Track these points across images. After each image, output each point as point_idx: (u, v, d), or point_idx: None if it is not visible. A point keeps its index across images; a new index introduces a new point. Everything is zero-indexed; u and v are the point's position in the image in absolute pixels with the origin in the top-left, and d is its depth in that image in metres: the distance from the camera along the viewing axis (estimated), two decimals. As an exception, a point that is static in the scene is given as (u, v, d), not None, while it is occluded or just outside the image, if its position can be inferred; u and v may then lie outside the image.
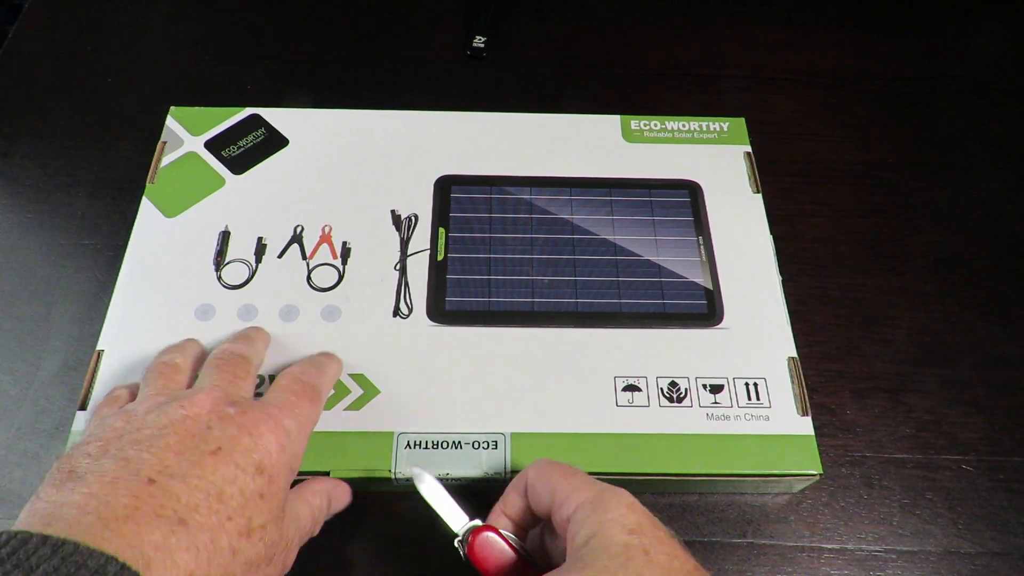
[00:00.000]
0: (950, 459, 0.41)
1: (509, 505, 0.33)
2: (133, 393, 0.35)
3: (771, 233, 0.45)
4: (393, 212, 0.45)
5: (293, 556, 0.32)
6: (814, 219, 0.49)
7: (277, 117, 0.49)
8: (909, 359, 0.44)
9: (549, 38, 0.59)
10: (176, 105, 0.49)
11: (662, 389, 0.39)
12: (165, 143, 0.47)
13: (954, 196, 0.51)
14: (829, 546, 0.38)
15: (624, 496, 0.30)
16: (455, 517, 0.33)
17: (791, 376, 0.40)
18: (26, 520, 0.26)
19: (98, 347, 0.39)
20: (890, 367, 0.44)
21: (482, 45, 0.57)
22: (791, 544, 0.38)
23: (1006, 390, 0.43)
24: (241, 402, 0.31)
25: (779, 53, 0.59)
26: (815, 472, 0.37)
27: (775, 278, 0.43)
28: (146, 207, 0.44)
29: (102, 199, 0.49)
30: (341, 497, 0.36)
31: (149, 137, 0.49)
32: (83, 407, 0.37)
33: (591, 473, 0.33)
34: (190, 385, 0.35)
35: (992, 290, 0.47)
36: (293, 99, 0.54)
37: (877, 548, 0.38)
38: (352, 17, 0.60)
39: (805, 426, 0.38)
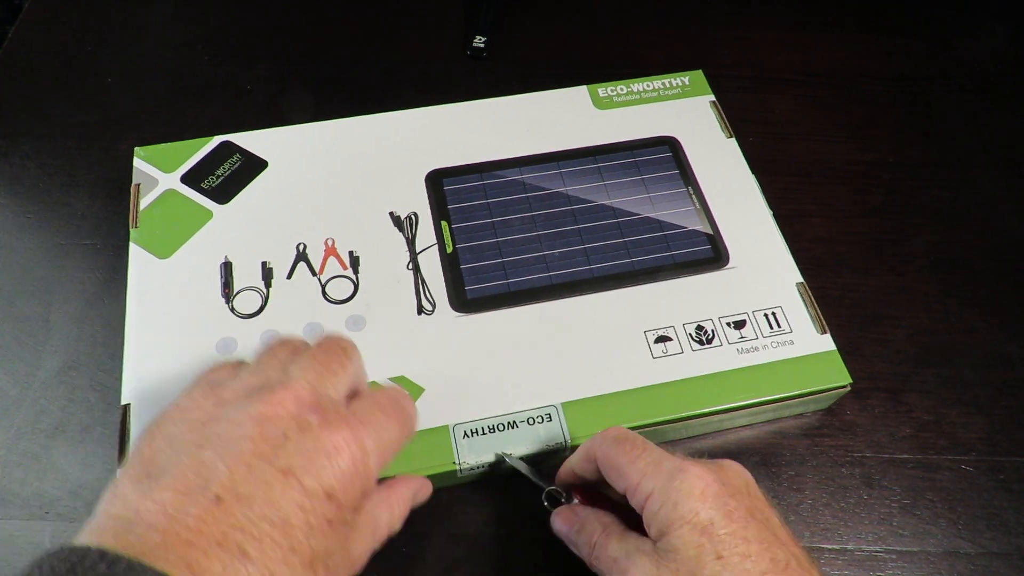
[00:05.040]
0: (950, 459, 0.41)
1: (580, 469, 0.34)
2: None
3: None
4: (392, 214, 0.45)
5: (360, 566, 0.31)
6: (814, 219, 0.49)
7: (250, 140, 0.48)
8: (909, 359, 0.44)
9: (549, 38, 0.59)
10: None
11: (690, 334, 0.41)
12: (139, 185, 0.46)
13: (954, 196, 0.51)
14: (829, 546, 0.38)
15: (694, 483, 0.29)
16: (540, 476, 0.36)
17: (803, 300, 0.42)
18: (102, 523, 0.25)
19: (123, 402, 0.38)
20: (890, 367, 0.44)
21: (482, 45, 0.57)
22: (791, 544, 0.38)
23: (1006, 390, 0.43)
24: (325, 407, 0.29)
25: (779, 53, 0.59)
26: (845, 383, 0.39)
27: (767, 213, 0.46)
28: (136, 253, 0.43)
29: (102, 199, 0.49)
30: (424, 493, 0.35)
31: (149, 137, 0.49)
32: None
33: (645, 425, 0.38)
34: None
35: (992, 290, 0.47)
36: (293, 98, 0.54)
37: (877, 548, 0.38)
38: (352, 17, 0.60)
39: (827, 343, 0.41)
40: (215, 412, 0.28)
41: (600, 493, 0.35)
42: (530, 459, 0.38)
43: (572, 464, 0.35)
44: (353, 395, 0.32)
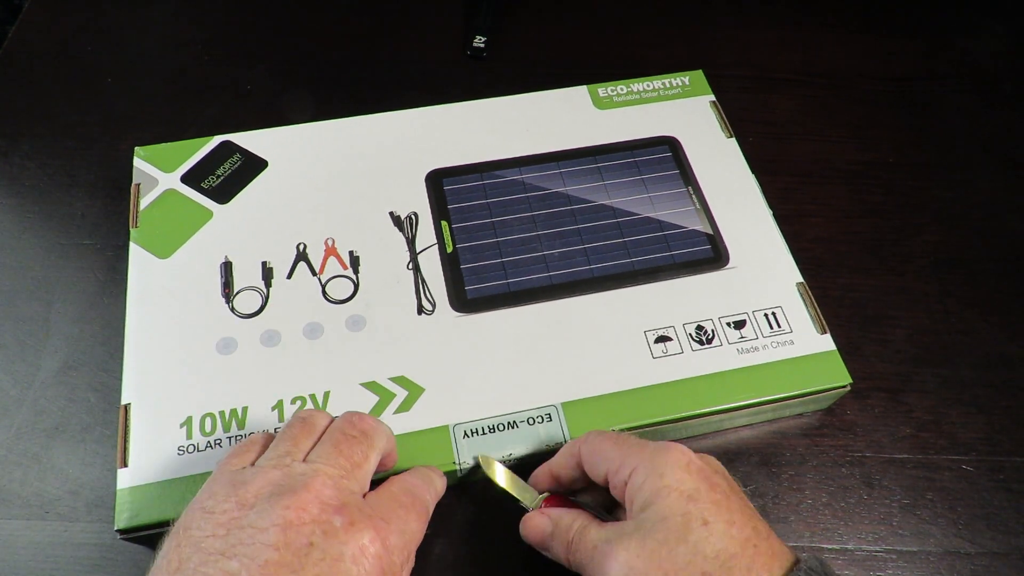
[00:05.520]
0: (950, 459, 0.41)
1: (558, 471, 0.35)
2: (268, 443, 0.32)
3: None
4: (392, 214, 0.45)
5: None
6: (814, 219, 0.49)
7: (250, 140, 0.48)
8: (909, 359, 0.44)
9: (549, 38, 0.59)
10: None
11: (690, 334, 0.41)
12: (139, 185, 0.46)
13: (954, 196, 0.51)
14: (829, 546, 0.38)
15: (679, 456, 0.31)
16: (526, 492, 0.35)
17: (804, 300, 0.42)
18: None
19: (123, 402, 0.38)
20: (890, 367, 0.44)
21: (482, 45, 0.57)
22: (791, 544, 0.38)
23: (1006, 390, 0.43)
24: (349, 507, 0.29)
25: (779, 53, 0.59)
26: (845, 383, 0.40)
27: (767, 213, 0.46)
28: (136, 252, 0.43)
29: (102, 199, 0.49)
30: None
31: (149, 137, 0.49)
32: (124, 464, 0.36)
33: (645, 425, 0.38)
34: None
35: (992, 290, 0.47)
36: (293, 98, 0.54)
37: (877, 548, 0.38)
38: (352, 17, 0.60)
39: (827, 343, 0.41)
40: (239, 516, 0.28)
41: (572, 501, 0.35)
42: (529, 462, 0.38)
43: (552, 464, 0.35)
44: (378, 474, 0.32)
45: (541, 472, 0.36)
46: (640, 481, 0.30)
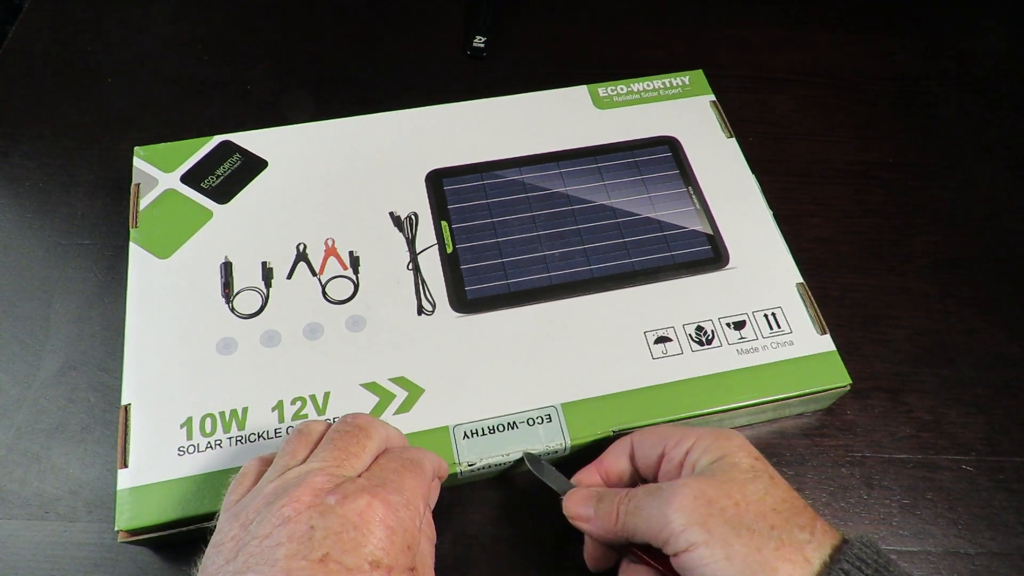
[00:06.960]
0: (950, 459, 0.41)
1: (607, 466, 0.36)
2: (265, 464, 0.33)
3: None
4: (392, 214, 0.45)
5: None
6: (814, 219, 0.49)
7: (250, 140, 0.48)
8: (909, 359, 0.44)
9: (549, 38, 0.59)
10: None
11: (690, 335, 0.41)
12: (139, 185, 0.46)
13: (954, 196, 0.51)
14: (829, 546, 0.38)
15: (740, 434, 0.33)
16: (562, 483, 0.36)
17: (804, 301, 0.42)
18: None
19: (123, 402, 0.38)
20: (890, 367, 0.44)
21: (482, 45, 0.57)
22: (791, 544, 0.38)
23: (1006, 390, 0.43)
24: (343, 486, 0.29)
25: (779, 53, 0.59)
26: (845, 384, 0.40)
27: (767, 213, 0.46)
28: (136, 252, 0.43)
29: (102, 199, 0.49)
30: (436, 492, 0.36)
31: (149, 137, 0.49)
32: (124, 465, 0.36)
33: (645, 426, 0.38)
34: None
35: (992, 290, 0.47)
36: (293, 98, 0.54)
37: (877, 548, 0.38)
38: (352, 17, 0.60)
39: (827, 344, 0.41)
40: (243, 535, 0.28)
41: None
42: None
43: (600, 460, 0.36)
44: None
45: (586, 469, 0.36)
46: (706, 445, 0.32)
